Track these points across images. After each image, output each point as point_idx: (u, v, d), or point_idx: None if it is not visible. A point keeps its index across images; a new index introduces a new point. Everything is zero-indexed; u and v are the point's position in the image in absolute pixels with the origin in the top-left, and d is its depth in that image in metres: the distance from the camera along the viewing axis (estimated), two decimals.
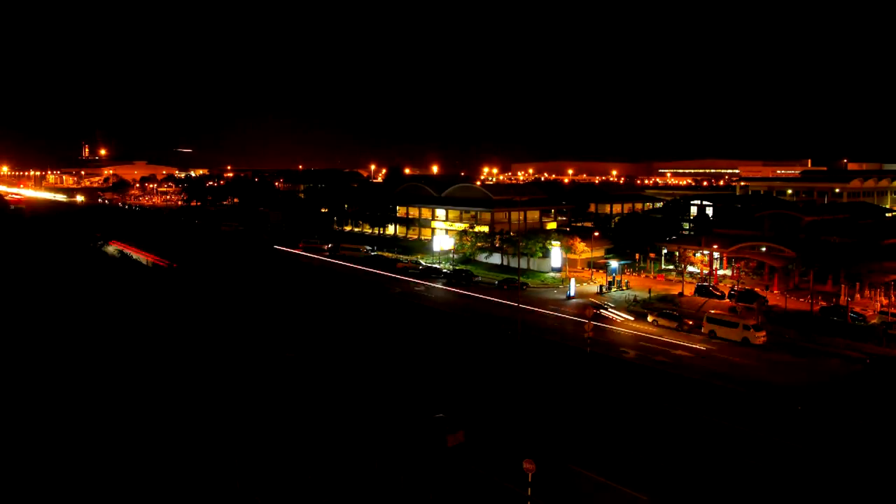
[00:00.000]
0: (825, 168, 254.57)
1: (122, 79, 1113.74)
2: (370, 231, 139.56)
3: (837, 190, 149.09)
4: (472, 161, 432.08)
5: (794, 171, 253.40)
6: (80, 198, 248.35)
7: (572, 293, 79.81)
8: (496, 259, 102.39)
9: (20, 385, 44.69)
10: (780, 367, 53.37)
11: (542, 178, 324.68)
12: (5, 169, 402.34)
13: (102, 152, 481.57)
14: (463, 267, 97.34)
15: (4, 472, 33.67)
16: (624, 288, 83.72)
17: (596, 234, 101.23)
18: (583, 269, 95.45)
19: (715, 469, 35.60)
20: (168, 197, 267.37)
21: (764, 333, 59.72)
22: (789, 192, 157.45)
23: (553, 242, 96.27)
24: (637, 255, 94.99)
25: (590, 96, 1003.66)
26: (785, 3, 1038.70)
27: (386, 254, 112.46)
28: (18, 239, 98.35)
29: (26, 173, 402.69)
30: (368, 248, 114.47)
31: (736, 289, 77.69)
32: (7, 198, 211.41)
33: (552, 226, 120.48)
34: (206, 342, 57.14)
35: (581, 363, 54.00)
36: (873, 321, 65.72)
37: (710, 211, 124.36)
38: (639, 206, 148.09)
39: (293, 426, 39.08)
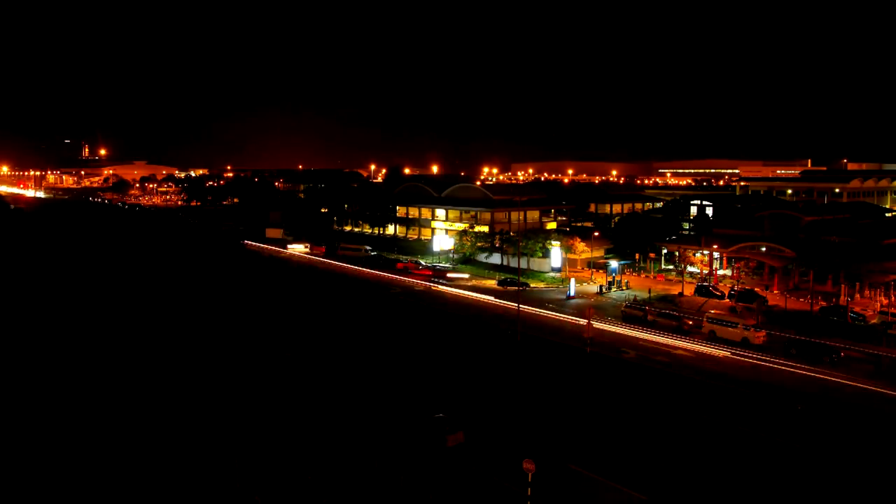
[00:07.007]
0: (825, 168, 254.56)
1: (121, 79, 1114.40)
2: (370, 231, 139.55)
3: (837, 190, 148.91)
4: (471, 161, 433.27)
5: (794, 171, 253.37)
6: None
7: (572, 293, 79.82)
8: (496, 259, 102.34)
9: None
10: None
11: (542, 178, 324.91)
12: (5, 169, 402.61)
13: (102, 152, 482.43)
14: (463, 267, 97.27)
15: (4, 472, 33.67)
16: (624, 288, 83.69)
17: (596, 234, 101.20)
18: (583, 269, 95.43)
19: (715, 469, 35.57)
20: (168, 197, 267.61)
21: (764, 333, 59.70)
22: (789, 192, 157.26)
23: (553, 242, 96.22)
24: (637, 255, 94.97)
25: (590, 96, 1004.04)
26: (785, 3, 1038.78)
27: (386, 254, 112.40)
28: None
29: (26, 173, 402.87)
30: (368, 248, 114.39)
31: (736, 289, 77.65)
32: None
33: (552, 226, 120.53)
34: (207, 341, 57.16)
35: (581, 363, 54.00)
36: (873, 321, 65.69)
37: (710, 211, 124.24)
38: (639, 206, 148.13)
39: (293, 426, 39.08)
